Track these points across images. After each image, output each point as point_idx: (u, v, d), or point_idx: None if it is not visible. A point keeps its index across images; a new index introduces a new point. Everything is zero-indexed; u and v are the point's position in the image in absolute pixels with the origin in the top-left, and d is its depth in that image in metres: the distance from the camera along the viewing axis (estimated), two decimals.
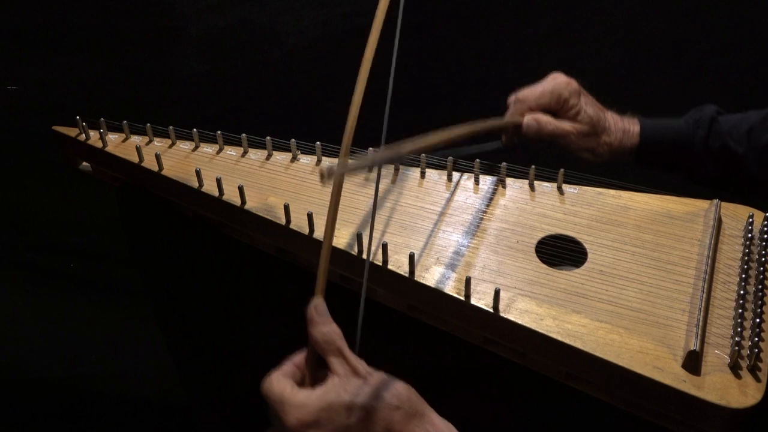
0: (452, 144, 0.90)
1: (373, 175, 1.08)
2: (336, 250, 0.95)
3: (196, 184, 1.05)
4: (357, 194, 1.04)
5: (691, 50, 1.77)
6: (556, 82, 1.02)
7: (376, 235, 0.96)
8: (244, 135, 1.12)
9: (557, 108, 1.01)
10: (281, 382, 0.66)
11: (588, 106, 1.02)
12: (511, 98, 1.03)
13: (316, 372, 0.68)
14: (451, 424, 0.65)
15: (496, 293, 0.85)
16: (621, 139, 1.04)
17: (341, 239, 0.96)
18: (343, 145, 0.83)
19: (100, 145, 1.13)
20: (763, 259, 0.91)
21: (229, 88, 1.85)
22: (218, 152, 1.13)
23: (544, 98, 1.01)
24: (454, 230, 0.98)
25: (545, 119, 1.01)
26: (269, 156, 1.12)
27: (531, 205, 1.02)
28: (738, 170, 1.02)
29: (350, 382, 0.65)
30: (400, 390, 0.65)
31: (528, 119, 1.00)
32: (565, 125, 1.01)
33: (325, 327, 0.68)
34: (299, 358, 0.70)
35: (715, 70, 1.75)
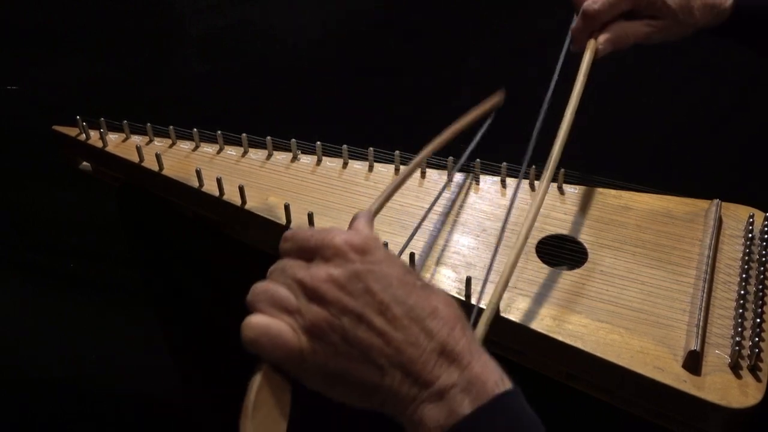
0: None
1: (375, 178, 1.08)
2: None
3: (196, 184, 1.05)
4: (357, 194, 1.04)
5: (691, 50, 1.77)
6: None
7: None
8: (244, 135, 1.12)
9: (635, 8, 0.91)
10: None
11: None
12: (583, 8, 0.91)
13: None
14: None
15: None
16: (708, 18, 0.93)
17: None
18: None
19: (100, 144, 1.13)
20: (764, 259, 0.91)
21: (229, 88, 1.85)
22: (218, 152, 1.13)
23: (619, 7, 0.90)
24: (454, 230, 0.98)
25: (619, 36, 0.91)
26: (269, 156, 1.12)
27: (531, 205, 1.01)
28: None
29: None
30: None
31: (601, 45, 0.91)
32: (643, 29, 0.91)
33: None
34: None
35: (720, 64, 1.75)
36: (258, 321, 0.52)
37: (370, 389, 0.51)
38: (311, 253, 0.54)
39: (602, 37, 0.92)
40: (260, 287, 0.54)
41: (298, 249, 0.55)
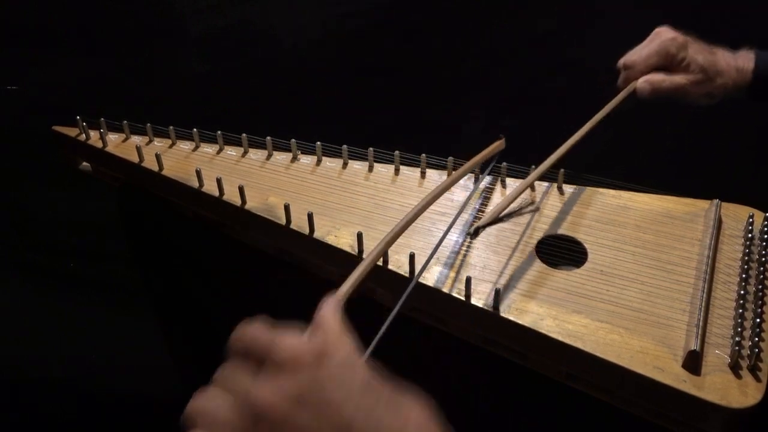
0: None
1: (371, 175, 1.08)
2: (336, 250, 0.95)
3: (196, 184, 1.05)
4: (357, 194, 1.04)
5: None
6: (662, 39, 1.02)
7: (375, 234, 0.96)
8: (244, 135, 1.12)
9: (667, 64, 1.02)
10: (271, 329, 0.49)
11: (698, 55, 1.02)
12: (620, 63, 1.04)
13: None
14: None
15: (496, 293, 0.85)
16: (735, 78, 1.03)
17: (341, 239, 0.96)
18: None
19: (100, 145, 1.13)
20: (763, 259, 0.91)
21: (229, 88, 1.85)
22: (218, 152, 1.13)
23: (652, 59, 1.02)
24: (454, 230, 0.98)
25: (658, 78, 1.02)
26: (269, 156, 1.12)
27: (531, 205, 1.02)
28: None
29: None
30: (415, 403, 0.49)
31: (641, 83, 1.02)
32: (679, 79, 1.02)
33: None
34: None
35: None
36: None
37: None
38: (261, 356, 0.47)
39: (642, 79, 1.03)
40: (199, 405, 0.47)
41: (247, 350, 0.48)
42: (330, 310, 0.51)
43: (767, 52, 1.05)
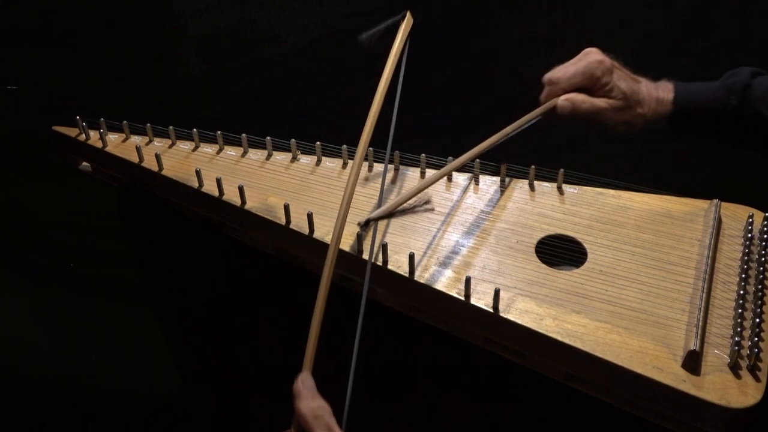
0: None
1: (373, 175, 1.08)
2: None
3: (196, 184, 1.05)
4: (357, 194, 1.04)
5: (691, 50, 1.77)
6: (589, 61, 1.01)
7: (375, 235, 0.96)
8: (244, 135, 1.13)
9: (590, 86, 1.01)
10: None
11: (621, 81, 1.01)
12: (545, 78, 1.03)
13: None
14: None
15: (496, 293, 0.85)
16: (655, 109, 1.02)
17: (341, 239, 0.96)
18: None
19: (100, 145, 1.13)
20: (763, 259, 0.91)
21: (229, 88, 1.85)
22: (218, 152, 1.13)
23: (576, 79, 1.01)
24: (454, 230, 0.98)
25: (579, 99, 1.01)
26: (269, 156, 1.12)
27: (531, 205, 1.02)
28: None
29: None
30: None
31: (562, 101, 1.01)
32: (599, 102, 1.01)
33: (313, 402, 0.67)
34: None
35: (715, 70, 1.75)
36: None
37: None
38: None
39: (563, 97, 1.01)
40: None
41: None
42: (306, 395, 0.68)
43: (686, 83, 1.04)
